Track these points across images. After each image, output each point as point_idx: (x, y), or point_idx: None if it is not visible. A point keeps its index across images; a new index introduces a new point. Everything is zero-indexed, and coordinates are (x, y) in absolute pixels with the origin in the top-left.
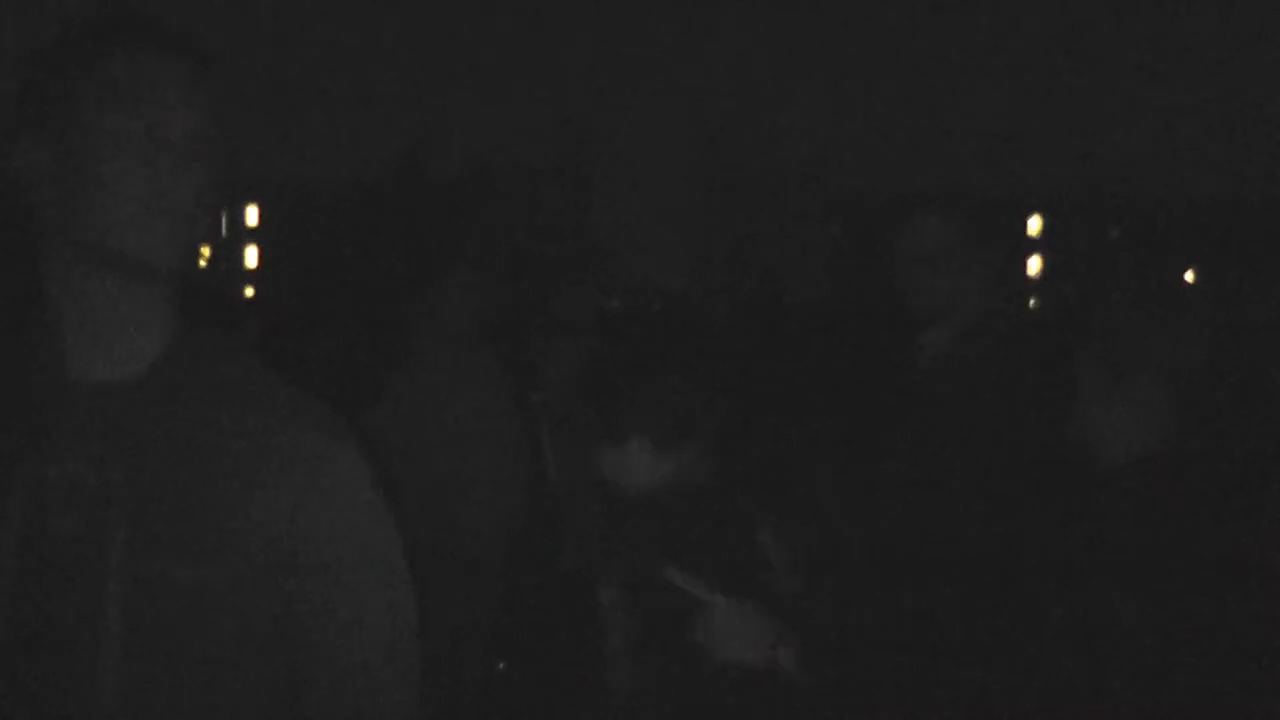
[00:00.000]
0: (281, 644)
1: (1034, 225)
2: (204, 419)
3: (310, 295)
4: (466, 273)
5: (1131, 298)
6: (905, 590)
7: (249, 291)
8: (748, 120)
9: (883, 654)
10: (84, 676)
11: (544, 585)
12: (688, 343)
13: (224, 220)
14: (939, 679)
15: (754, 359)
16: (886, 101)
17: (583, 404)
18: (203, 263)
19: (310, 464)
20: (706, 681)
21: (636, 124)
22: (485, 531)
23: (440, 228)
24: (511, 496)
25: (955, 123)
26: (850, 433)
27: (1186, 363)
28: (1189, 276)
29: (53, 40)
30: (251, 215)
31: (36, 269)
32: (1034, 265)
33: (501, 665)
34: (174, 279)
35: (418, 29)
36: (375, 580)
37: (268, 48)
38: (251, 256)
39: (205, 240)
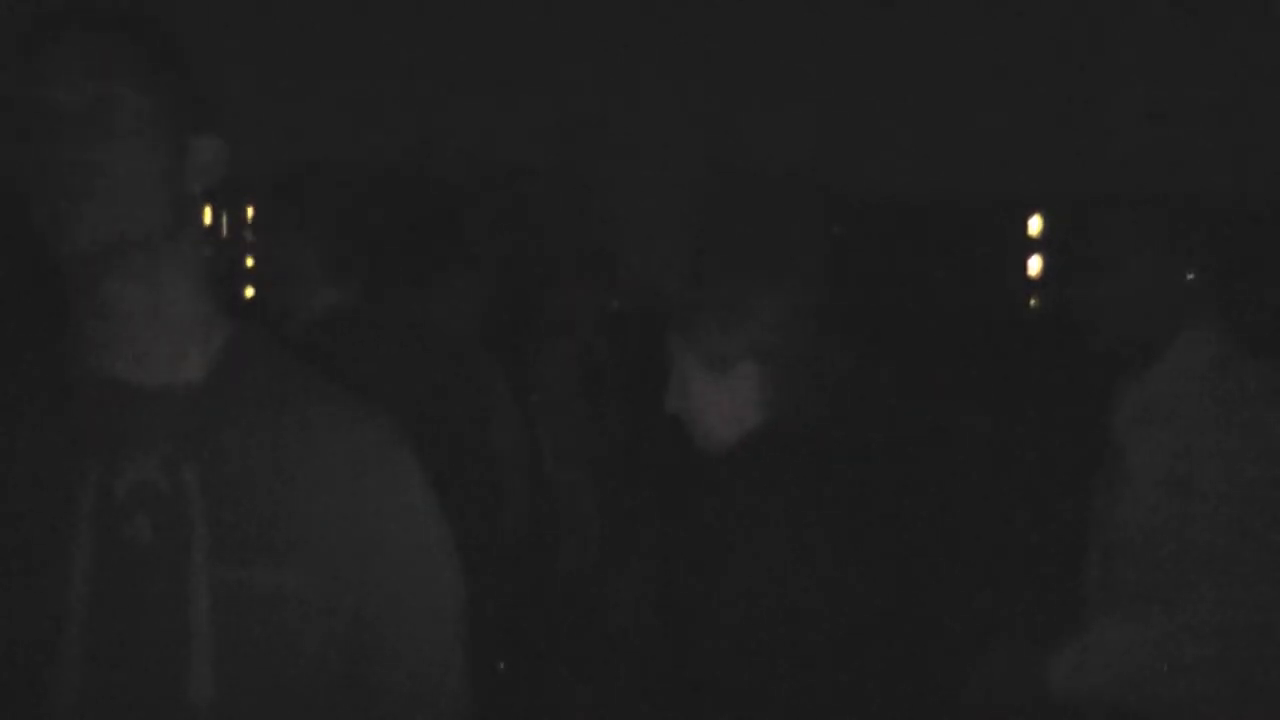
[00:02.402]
0: (352, 647)
1: (1034, 225)
2: (267, 421)
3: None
4: (466, 273)
5: (724, 286)
6: None
7: (249, 292)
8: (748, 120)
9: None
10: (173, 684)
11: (544, 585)
12: None
13: (224, 220)
14: None
15: None
16: (887, 101)
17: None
18: None
19: (371, 466)
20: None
21: (637, 124)
22: (485, 532)
23: (440, 228)
24: (511, 497)
25: (956, 122)
26: None
27: (788, 345)
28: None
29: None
30: (252, 215)
31: (61, 271)
32: (1034, 265)
33: (501, 665)
34: (129, 267)
35: (419, 29)
36: (435, 580)
37: (268, 48)
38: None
39: (188, 233)
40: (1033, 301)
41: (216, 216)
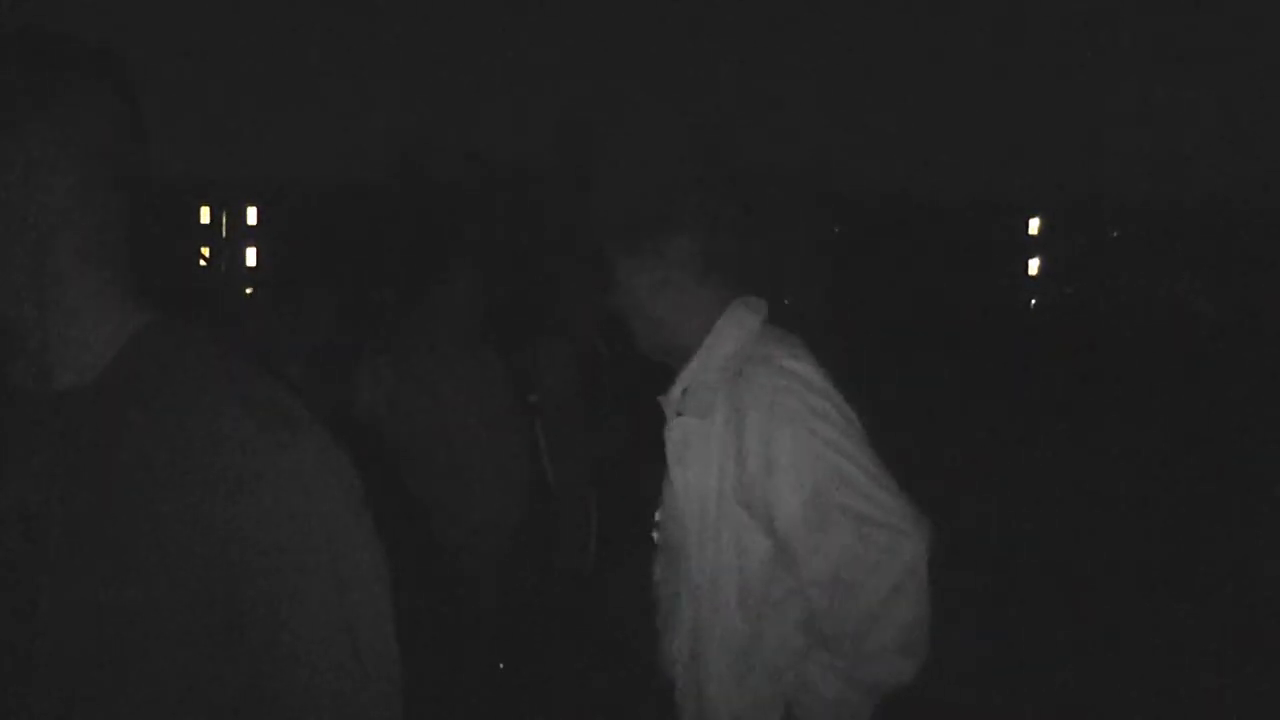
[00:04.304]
0: (234, 658)
1: (1034, 225)
2: (148, 428)
3: (310, 295)
4: (466, 272)
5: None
6: None
7: (249, 291)
8: (747, 120)
9: None
10: (18, 702)
11: (543, 584)
12: None
13: (224, 220)
14: None
15: None
16: (887, 102)
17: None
18: (203, 263)
19: (256, 467)
20: None
21: (637, 124)
22: (484, 531)
23: (440, 227)
24: (511, 496)
25: (955, 123)
26: None
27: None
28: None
29: None
30: (251, 215)
31: None
32: (1034, 265)
33: (501, 665)
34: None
35: (419, 29)
36: (333, 588)
37: (269, 48)
38: (251, 257)
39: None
40: (1034, 301)
41: (214, 216)
